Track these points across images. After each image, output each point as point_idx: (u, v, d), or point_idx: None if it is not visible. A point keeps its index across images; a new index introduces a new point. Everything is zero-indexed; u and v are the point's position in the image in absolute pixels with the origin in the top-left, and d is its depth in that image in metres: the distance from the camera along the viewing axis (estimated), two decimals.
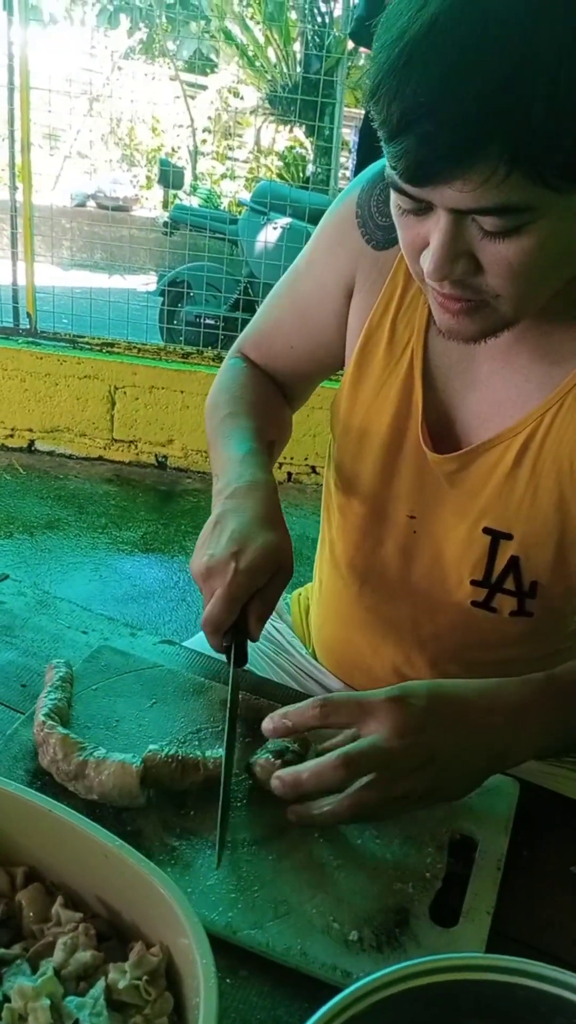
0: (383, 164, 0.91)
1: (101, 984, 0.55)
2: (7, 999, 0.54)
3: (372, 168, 0.97)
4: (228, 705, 0.82)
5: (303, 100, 4.86)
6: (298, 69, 5.94)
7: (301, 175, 6.61)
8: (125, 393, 3.77)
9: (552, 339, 0.86)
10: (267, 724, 0.74)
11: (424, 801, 0.72)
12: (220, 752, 0.77)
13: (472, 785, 0.75)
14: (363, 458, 1.00)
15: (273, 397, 1.12)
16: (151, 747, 0.76)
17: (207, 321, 4.12)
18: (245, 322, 4.06)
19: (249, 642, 0.88)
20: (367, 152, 3.36)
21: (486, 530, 0.92)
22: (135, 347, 3.87)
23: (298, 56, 6.05)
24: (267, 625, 1.23)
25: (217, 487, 0.93)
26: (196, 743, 0.82)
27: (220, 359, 3.84)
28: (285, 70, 6.31)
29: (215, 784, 0.74)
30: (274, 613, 1.27)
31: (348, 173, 8.37)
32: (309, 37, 5.59)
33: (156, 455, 3.90)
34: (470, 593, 0.96)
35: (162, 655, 0.97)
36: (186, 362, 3.80)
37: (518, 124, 0.61)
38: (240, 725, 0.84)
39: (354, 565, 1.05)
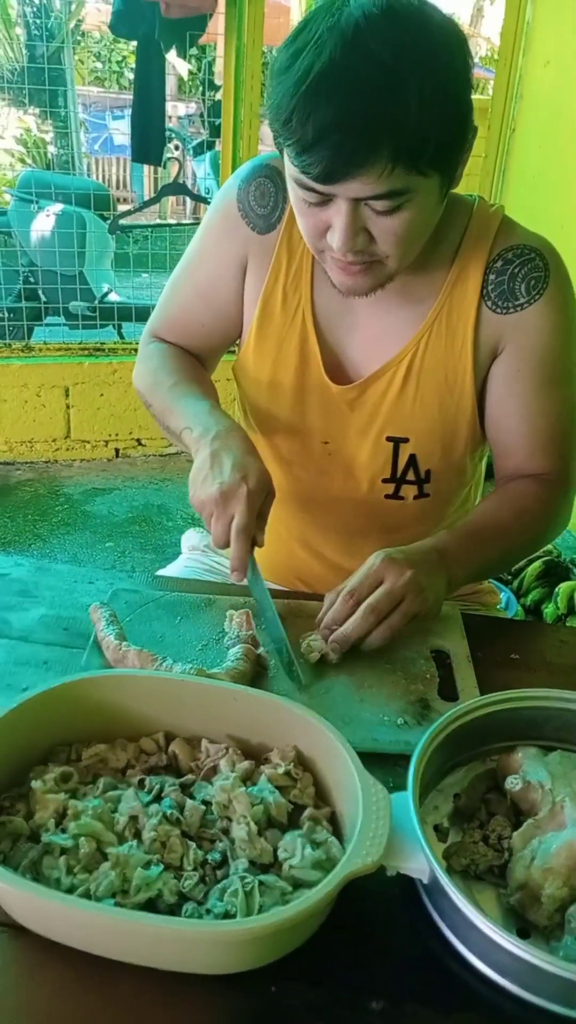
0: (252, 166, 1.19)
1: (264, 778, 0.78)
2: (208, 803, 0.76)
3: (241, 172, 1.21)
4: (264, 591, 1.07)
5: (34, 86, 4.82)
6: (24, 52, 5.88)
7: (43, 158, 6.56)
8: None
9: (411, 285, 1.14)
10: (324, 633, 1.02)
11: (426, 616, 1.03)
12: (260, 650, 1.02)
13: (441, 604, 1.07)
14: (276, 403, 1.24)
15: (199, 367, 1.32)
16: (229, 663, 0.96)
17: None
18: (33, 311, 4.04)
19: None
20: (142, 133, 3.52)
21: (388, 438, 1.21)
22: None
23: (22, 40, 5.97)
24: (208, 561, 1.47)
25: (195, 435, 1.12)
26: (226, 641, 1.04)
27: (30, 349, 3.87)
28: (11, 54, 6.21)
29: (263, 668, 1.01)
30: (208, 552, 1.50)
31: (86, 150, 8.35)
32: (30, 21, 5.54)
33: None
34: (383, 490, 1.24)
35: (161, 586, 1.17)
36: None
37: (398, 134, 0.88)
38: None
39: (283, 490, 1.29)
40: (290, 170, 0.97)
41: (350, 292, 1.07)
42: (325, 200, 0.96)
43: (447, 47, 0.90)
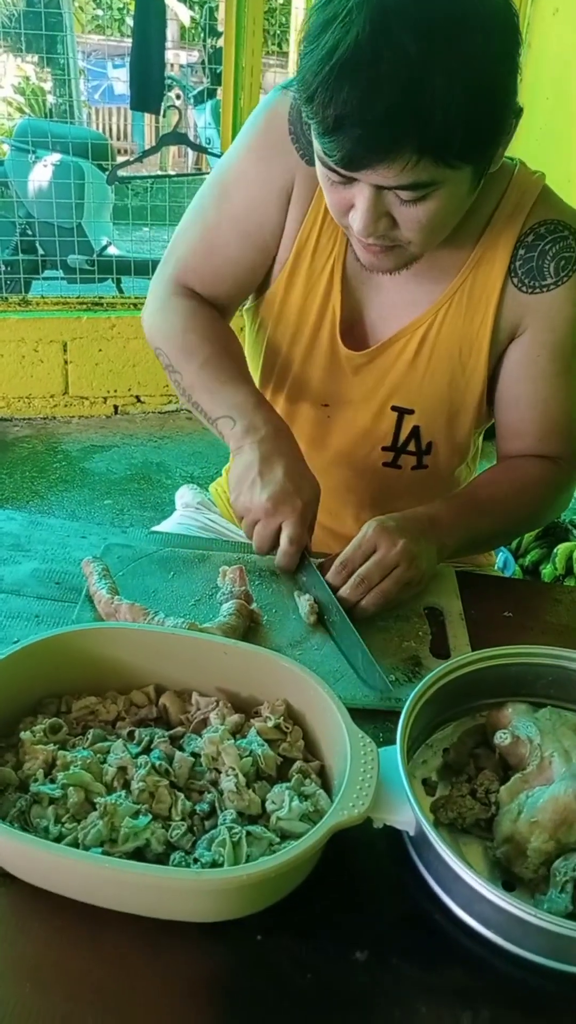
0: None
1: (254, 730, 0.78)
2: (197, 755, 0.76)
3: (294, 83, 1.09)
4: (328, 591, 1.01)
5: (32, 32, 4.69)
6: None
7: (42, 107, 6.42)
8: None
9: (436, 257, 1.09)
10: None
11: (419, 584, 1.02)
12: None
13: (433, 571, 1.06)
14: (290, 352, 1.20)
15: (229, 331, 1.21)
16: (222, 619, 0.96)
17: None
18: (30, 264, 3.98)
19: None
20: (140, 80, 3.44)
21: (394, 407, 1.18)
22: None
23: None
24: (201, 517, 1.46)
25: (237, 429, 1.07)
26: (219, 596, 1.04)
27: (27, 303, 3.83)
28: None
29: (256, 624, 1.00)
30: (201, 508, 1.49)
31: (85, 99, 8.20)
32: None
33: None
34: (381, 457, 1.23)
35: (155, 541, 1.17)
36: None
37: (423, 127, 0.82)
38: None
39: None
40: (315, 145, 0.92)
41: (373, 269, 1.04)
42: (349, 180, 0.91)
43: (485, 30, 0.81)
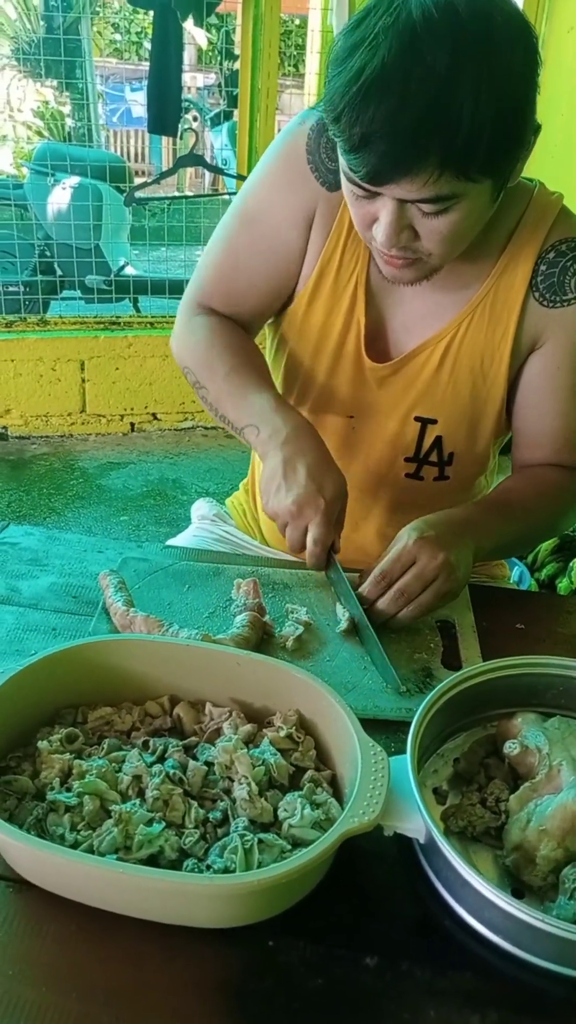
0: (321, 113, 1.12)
1: (267, 740, 0.79)
2: (210, 764, 0.77)
3: (312, 115, 1.13)
4: (350, 591, 1.05)
5: (51, 57, 4.78)
6: (42, 23, 5.83)
7: (61, 131, 6.53)
8: None
9: (458, 270, 1.12)
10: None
11: (455, 595, 1.04)
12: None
13: (468, 578, 1.07)
14: (314, 368, 1.22)
15: (250, 343, 1.25)
16: (235, 630, 0.98)
17: (9, 289, 4.12)
18: (48, 285, 4.03)
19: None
20: (158, 103, 3.50)
21: (417, 418, 1.20)
22: None
23: (40, 11, 5.91)
24: (216, 530, 1.48)
25: (262, 436, 1.10)
26: (233, 608, 1.05)
27: (45, 323, 3.89)
28: (28, 25, 6.15)
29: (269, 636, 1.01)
30: (217, 520, 1.51)
31: (104, 122, 8.32)
32: None
33: None
34: (404, 468, 1.24)
35: (170, 555, 1.18)
36: (11, 330, 3.81)
37: (448, 143, 0.85)
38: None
39: None
40: (341, 161, 0.96)
41: (395, 281, 1.07)
42: (372, 195, 0.95)
43: (510, 49, 0.86)
